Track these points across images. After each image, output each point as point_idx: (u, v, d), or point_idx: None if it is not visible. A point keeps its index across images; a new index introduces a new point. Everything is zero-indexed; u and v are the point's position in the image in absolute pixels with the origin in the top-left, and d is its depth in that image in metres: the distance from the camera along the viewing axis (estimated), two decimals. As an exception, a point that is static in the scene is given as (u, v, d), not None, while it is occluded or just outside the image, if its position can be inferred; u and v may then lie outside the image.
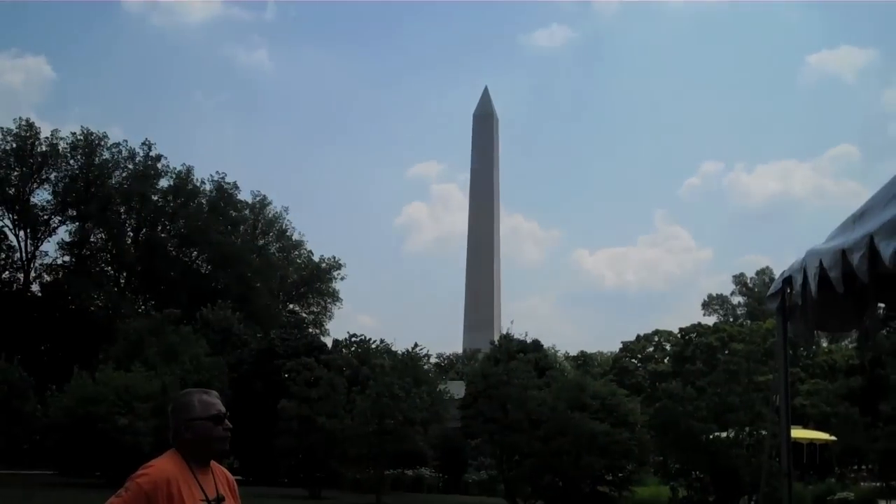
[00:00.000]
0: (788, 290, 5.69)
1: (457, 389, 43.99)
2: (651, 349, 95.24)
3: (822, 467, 42.88)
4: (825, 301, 4.98)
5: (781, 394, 6.23)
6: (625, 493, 34.88)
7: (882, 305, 6.18)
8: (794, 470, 24.31)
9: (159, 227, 72.29)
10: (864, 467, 34.53)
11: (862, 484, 36.18)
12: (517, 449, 30.54)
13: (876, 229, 3.56)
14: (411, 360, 40.54)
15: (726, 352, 48.17)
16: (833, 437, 34.36)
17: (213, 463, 4.81)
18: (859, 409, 30.45)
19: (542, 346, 52.65)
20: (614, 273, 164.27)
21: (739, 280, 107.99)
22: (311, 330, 67.65)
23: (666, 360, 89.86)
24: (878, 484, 31.62)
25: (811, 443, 44.87)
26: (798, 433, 45.02)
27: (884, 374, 32.25)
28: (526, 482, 30.46)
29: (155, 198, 71.35)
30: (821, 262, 4.38)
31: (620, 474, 34.43)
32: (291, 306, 78.71)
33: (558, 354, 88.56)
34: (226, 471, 4.95)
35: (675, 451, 30.03)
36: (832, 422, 31.91)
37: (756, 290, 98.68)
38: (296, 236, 79.63)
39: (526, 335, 50.88)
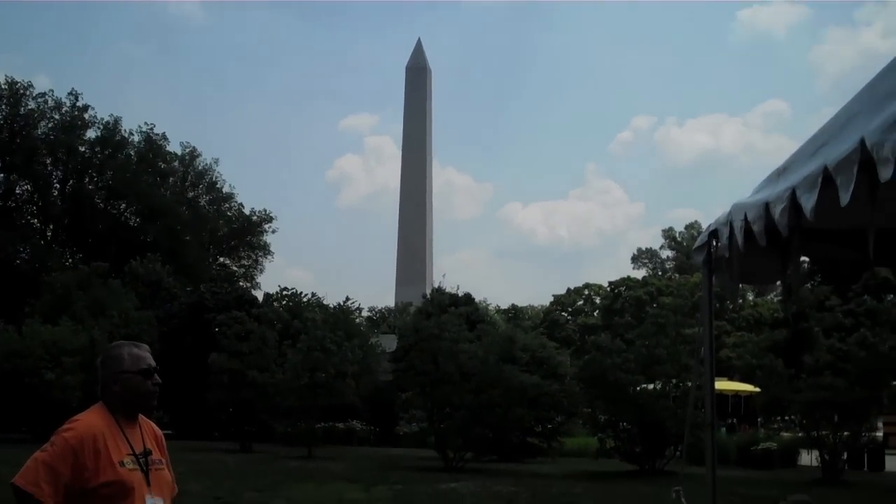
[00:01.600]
0: (714, 243, 5.78)
1: (388, 343, 44.07)
2: (581, 302, 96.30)
3: (746, 418, 43.81)
4: (749, 254, 5.05)
5: (706, 345, 6.33)
6: (553, 444, 35.44)
7: (806, 259, 6.31)
8: (718, 420, 24.79)
9: (87, 179, 70.91)
10: (787, 418, 35.22)
11: (784, 434, 36.94)
12: (448, 401, 30.74)
13: (798, 182, 3.61)
14: (343, 313, 40.54)
15: (655, 305, 48.84)
16: (757, 389, 34.97)
17: (140, 417, 4.78)
18: (783, 361, 30.96)
19: (473, 299, 52.94)
20: (546, 227, 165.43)
21: (669, 234, 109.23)
22: (241, 283, 67.28)
23: (595, 314, 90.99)
24: (800, 434, 32.30)
25: (736, 394, 45.80)
26: (723, 385, 45.92)
27: (807, 327, 32.83)
28: (456, 434, 30.70)
29: (82, 149, 69.92)
30: (745, 216, 4.44)
31: (549, 426, 34.95)
32: (222, 259, 78.00)
33: (490, 308, 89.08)
34: (153, 425, 4.92)
35: (604, 402, 30.48)
36: (757, 373, 32.41)
37: (685, 244, 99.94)
38: (226, 189, 78.58)
39: (458, 289, 51.16)
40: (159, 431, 4.95)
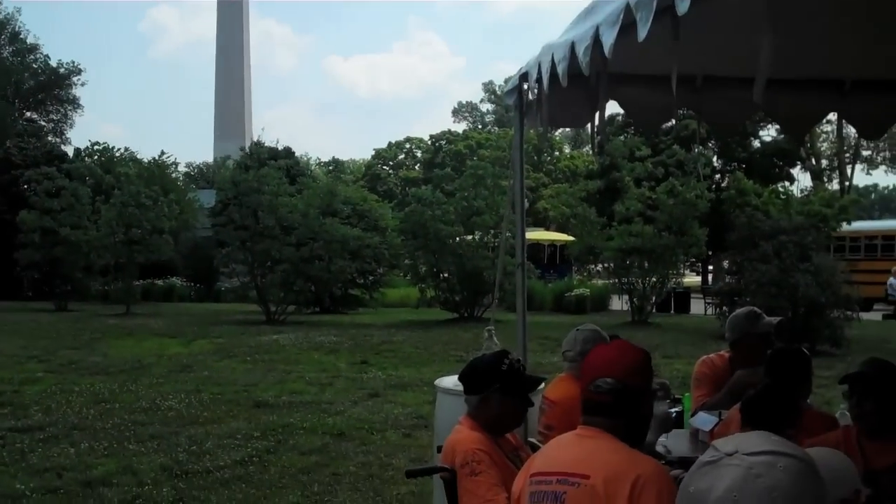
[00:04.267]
0: (525, 86, 5.81)
1: (207, 198, 43.35)
2: (402, 156, 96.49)
3: (562, 266, 45.32)
4: (558, 96, 5.10)
5: (516, 182, 6.41)
6: (375, 295, 35.88)
7: (620, 112, 6.42)
8: (535, 269, 25.46)
9: None
10: (599, 265, 36.68)
11: (598, 281, 38.42)
12: (269, 255, 30.58)
13: (602, 20, 3.63)
14: (158, 168, 39.58)
15: (474, 158, 49.28)
16: (572, 238, 36.07)
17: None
18: (596, 210, 32.02)
19: (293, 153, 52.46)
20: (368, 80, 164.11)
21: (488, 88, 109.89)
22: (50, 139, 64.52)
23: (417, 167, 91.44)
24: (611, 281, 33.67)
25: (552, 244, 47.23)
26: (539, 235, 47.24)
27: (619, 177, 33.94)
28: (278, 288, 30.69)
29: None
30: (552, 56, 4.44)
31: (371, 277, 35.33)
32: (28, 114, 74.39)
33: (310, 161, 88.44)
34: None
35: (424, 253, 30.88)
36: (571, 223, 33.45)
37: (504, 97, 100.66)
38: (31, 39, 74.38)
39: (277, 142, 50.56)
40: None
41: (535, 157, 75.57)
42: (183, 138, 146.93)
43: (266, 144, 49.32)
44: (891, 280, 33.78)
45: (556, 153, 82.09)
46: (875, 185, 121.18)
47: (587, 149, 79.37)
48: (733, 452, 1.68)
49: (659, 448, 5.07)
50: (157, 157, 40.50)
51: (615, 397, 3.30)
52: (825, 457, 1.92)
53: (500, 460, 4.42)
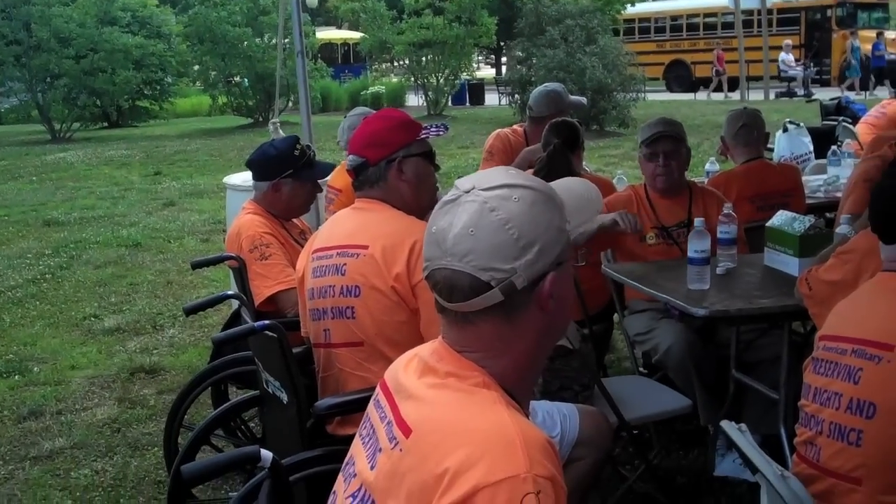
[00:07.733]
0: None
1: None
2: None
3: (356, 66, 44.82)
4: None
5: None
6: (165, 105, 34.72)
7: None
8: (328, 68, 25.09)
9: None
10: (394, 63, 36.49)
11: (393, 78, 38.30)
12: (48, 71, 29.04)
13: None
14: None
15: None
16: (364, 35, 35.55)
17: None
18: (385, 3, 31.58)
19: (64, -41, 49.34)
20: None
21: None
22: None
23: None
24: (406, 76, 33.57)
25: (345, 43, 46.53)
26: (331, 35, 46.45)
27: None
28: (61, 104, 29.32)
29: None
30: None
31: (159, 87, 34.10)
32: None
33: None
34: None
35: (213, 58, 29.89)
36: (362, 18, 32.88)
37: None
38: None
39: (45, -51, 47.27)
40: None
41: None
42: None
43: (32, -48, 46.12)
44: (782, 55, 32.64)
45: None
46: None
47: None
48: (471, 189, 1.68)
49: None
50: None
51: (357, 171, 3.34)
52: (568, 185, 1.97)
53: (286, 242, 4.45)
